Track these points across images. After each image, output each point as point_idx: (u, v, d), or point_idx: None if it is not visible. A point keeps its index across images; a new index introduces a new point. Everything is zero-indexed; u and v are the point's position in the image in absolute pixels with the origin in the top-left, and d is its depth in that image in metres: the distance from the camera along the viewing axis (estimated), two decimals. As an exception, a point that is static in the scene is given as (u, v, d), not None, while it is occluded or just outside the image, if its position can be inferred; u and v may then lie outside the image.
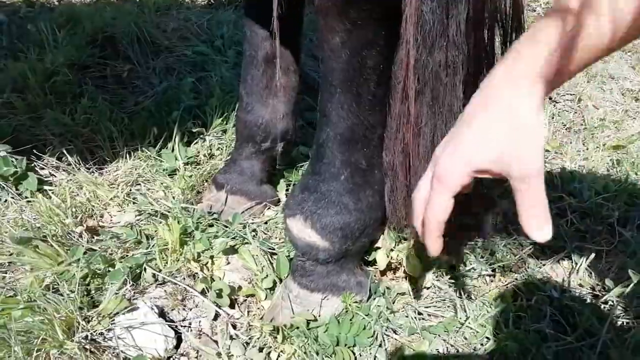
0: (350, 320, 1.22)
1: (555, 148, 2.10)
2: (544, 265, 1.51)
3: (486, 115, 0.63)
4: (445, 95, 1.00)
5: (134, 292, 1.36)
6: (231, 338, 1.26)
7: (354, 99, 1.06)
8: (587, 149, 2.12)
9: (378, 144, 1.17)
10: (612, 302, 1.37)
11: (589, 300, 1.39)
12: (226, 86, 2.15)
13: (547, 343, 1.24)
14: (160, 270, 1.37)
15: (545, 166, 1.88)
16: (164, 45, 2.45)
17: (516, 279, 1.46)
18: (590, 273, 1.50)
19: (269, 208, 1.70)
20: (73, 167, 1.73)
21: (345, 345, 1.18)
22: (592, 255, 1.48)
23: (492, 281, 1.47)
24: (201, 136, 1.96)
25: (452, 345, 1.27)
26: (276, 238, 1.57)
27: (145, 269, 1.37)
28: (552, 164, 2.01)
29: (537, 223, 0.63)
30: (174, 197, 1.65)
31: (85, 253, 1.40)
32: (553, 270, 1.49)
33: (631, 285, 1.36)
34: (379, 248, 1.37)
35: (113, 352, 1.18)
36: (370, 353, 1.21)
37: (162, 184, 1.74)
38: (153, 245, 1.45)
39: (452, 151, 0.66)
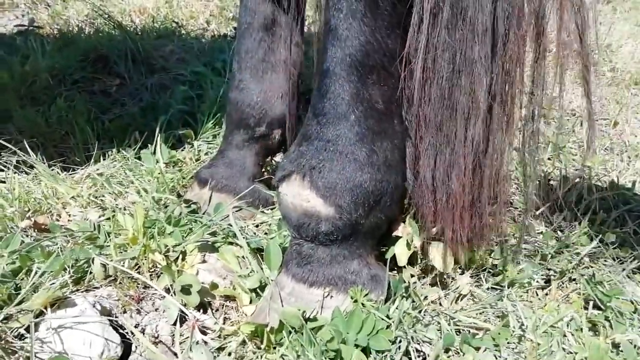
0: (364, 318, 0.87)
1: (598, 164, 1.83)
2: (609, 271, 1.17)
3: None
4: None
5: (77, 290, 1.03)
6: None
7: (370, 4, 0.82)
8: (635, 166, 1.85)
9: (398, 86, 0.90)
10: None
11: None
12: (223, 95, 1.93)
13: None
14: (112, 260, 1.05)
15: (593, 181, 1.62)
16: (160, 65, 2.28)
17: (578, 287, 1.12)
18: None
19: (261, 211, 1.39)
20: (35, 163, 1.47)
21: (356, 347, 0.83)
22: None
23: (546, 293, 1.12)
24: (189, 140, 1.71)
25: (505, 364, 0.91)
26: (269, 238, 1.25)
27: (93, 261, 1.05)
28: (599, 179, 1.72)
29: None
30: (153, 198, 1.35)
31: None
32: (629, 278, 1.15)
33: None
34: (398, 238, 1.05)
35: (26, 357, 0.84)
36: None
37: (137, 186, 1.46)
38: (110, 240, 1.14)
39: None
